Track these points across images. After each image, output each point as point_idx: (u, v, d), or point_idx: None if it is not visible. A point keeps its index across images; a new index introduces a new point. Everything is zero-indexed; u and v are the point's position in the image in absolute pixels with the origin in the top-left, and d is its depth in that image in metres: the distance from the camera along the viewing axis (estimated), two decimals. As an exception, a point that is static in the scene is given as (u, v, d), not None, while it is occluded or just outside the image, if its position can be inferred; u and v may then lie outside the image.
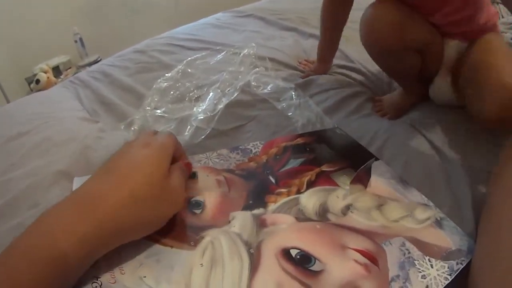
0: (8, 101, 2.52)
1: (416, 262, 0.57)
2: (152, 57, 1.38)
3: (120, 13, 2.92)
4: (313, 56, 1.31)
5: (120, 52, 1.52)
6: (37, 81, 2.55)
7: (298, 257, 0.55)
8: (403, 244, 0.60)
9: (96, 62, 2.70)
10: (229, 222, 0.61)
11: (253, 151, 0.79)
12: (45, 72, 2.59)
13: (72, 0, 2.72)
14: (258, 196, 0.67)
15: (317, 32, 1.45)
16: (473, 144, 0.86)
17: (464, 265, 0.58)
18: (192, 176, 0.71)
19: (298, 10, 1.73)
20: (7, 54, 2.56)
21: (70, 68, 2.79)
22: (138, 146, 0.56)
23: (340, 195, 0.68)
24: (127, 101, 1.12)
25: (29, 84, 2.62)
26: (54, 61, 2.73)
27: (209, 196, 0.66)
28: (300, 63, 1.30)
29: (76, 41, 2.74)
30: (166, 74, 1.15)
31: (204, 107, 0.97)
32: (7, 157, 0.88)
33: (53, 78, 2.59)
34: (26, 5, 2.52)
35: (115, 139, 0.92)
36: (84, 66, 2.69)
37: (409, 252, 0.59)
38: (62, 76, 2.69)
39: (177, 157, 0.62)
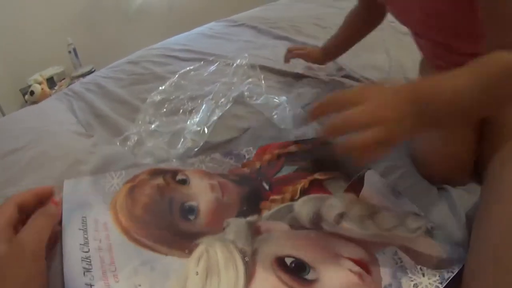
0: (2, 112, 2.54)
1: (408, 270, 0.58)
2: (145, 68, 1.37)
3: (113, 23, 2.96)
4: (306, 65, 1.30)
5: (113, 63, 1.51)
6: (32, 93, 2.56)
7: (293, 265, 0.56)
8: (396, 253, 0.61)
9: (90, 72, 2.71)
10: (224, 229, 0.62)
11: (246, 156, 0.80)
12: (40, 83, 2.60)
13: (66, 10, 2.74)
14: (252, 202, 0.68)
15: (310, 40, 1.46)
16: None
17: (454, 273, 0.59)
18: (183, 182, 0.71)
19: (290, 18, 1.72)
20: (1, 65, 2.57)
21: (64, 79, 2.80)
22: None
23: (333, 203, 0.68)
24: (121, 113, 1.11)
25: (24, 95, 2.64)
26: (48, 72, 2.75)
27: (203, 201, 0.66)
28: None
29: (70, 52, 2.76)
30: (160, 87, 1.15)
31: (198, 119, 0.97)
32: (3, 173, 0.87)
33: (47, 90, 2.60)
34: (20, 16, 2.54)
35: (107, 153, 0.91)
36: (78, 77, 2.71)
37: (401, 261, 0.60)
38: (56, 87, 2.71)
39: (32, 204, 0.59)
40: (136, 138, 0.95)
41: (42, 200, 0.60)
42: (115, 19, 2.95)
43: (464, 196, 0.76)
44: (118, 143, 0.96)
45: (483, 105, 0.58)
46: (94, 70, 2.72)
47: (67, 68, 2.84)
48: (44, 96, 2.46)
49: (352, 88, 0.57)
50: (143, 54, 1.54)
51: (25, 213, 0.57)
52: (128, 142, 0.95)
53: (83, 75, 2.67)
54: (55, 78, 2.77)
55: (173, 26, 2.50)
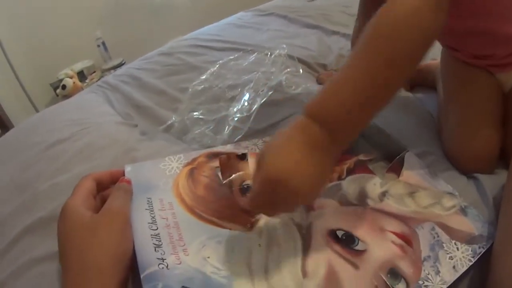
0: (34, 106, 2.58)
1: (444, 245, 0.62)
2: (179, 59, 1.38)
3: (140, 16, 2.97)
4: (339, 53, 1.30)
5: (145, 55, 1.53)
6: (63, 87, 2.58)
7: (343, 237, 0.60)
8: (433, 229, 0.64)
9: (120, 65, 2.75)
10: None
11: None
12: (71, 77, 2.62)
13: (93, 5, 2.77)
14: None
15: (340, 28, 1.45)
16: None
17: (485, 249, 0.62)
18: (242, 157, 0.75)
19: (318, 6, 1.71)
20: (31, 60, 2.61)
21: (94, 72, 2.82)
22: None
23: (376, 182, 0.72)
24: (160, 103, 1.13)
25: (55, 89, 2.66)
26: (78, 66, 2.77)
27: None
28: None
29: (99, 46, 2.78)
30: (201, 77, 1.16)
31: (239, 107, 0.99)
32: (50, 163, 0.89)
33: (79, 83, 2.62)
34: (48, 12, 2.58)
35: (157, 140, 0.94)
36: (109, 70, 2.74)
37: (438, 236, 0.63)
38: (87, 81, 2.73)
39: (107, 182, 0.65)
40: (180, 126, 0.98)
41: (116, 179, 0.65)
42: (142, 12, 2.96)
43: (491, 179, 0.79)
44: (162, 131, 0.98)
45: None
46: (125, 62, 2.76)
47: (96, 62, 2.86)
48: (76, 89, 2.49)
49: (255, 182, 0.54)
50: (175, 45, 1.54)
51: (100, 188, 0.64)
52: (172, 130, 0.98)
53: (114, 68, 2.71)
54: (85, 72, 2.79)
55: (198, 18, 2.51)
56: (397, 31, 0.55)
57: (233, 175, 0.71)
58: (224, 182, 0.69)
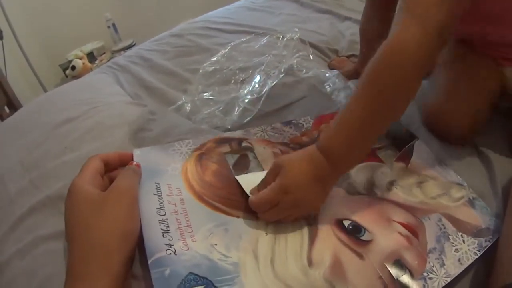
0: (43, 87, 2.56)
1: (450, 237, 0.62)
2: (190, 41, 1.37)
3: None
4: (351, 39, 1.29)
5: (155, 36, 1.51)
6: (73, 68, 2.57)
7: (350, 227, 0.60)
8: (440, 220, 0.64)
9: (131, 46, 2.72)
10: None
11: (305, 126, 0.82)
12: (80, 58, 2.60)
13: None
14: None
15: (352, 14, 1.42)
16: (505, 132, 0.86)
17: (491, 243, 0.62)
18: (248, 150, 0.74)
19: None
20: (40, 41, 2.59)
21: (104, 53, 2.80)
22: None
23: (385, 171, 0.72)
24: (169, 84, 1.12)
25: (64, 70, 2.65)
26: (88, 47, 2.75)
27: (267, 168, 0.68)
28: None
29: (109, 27, 2.75)
30: (212, 58, 1.16)
31: (250, 89, 0.99)
32: (59, 142, 0.89)
33: (88, 64, 2.61)
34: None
35: (167, 119, 0.93)
36: (119, 51, 2.72)
37: (444, 228, 0.63)
38: (97, 62, 2.71)
39: (114, 164, 0.65)
40: (190, 107, 0.98)
41: (123, 162, 0.65)
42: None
43: (506, 167, 0.77)
44: (172, 111, 0.99)
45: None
46: (135, 44, 2.73)
47: (106, 43, 2.84)
48: (85, 70, 2.47)
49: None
50: (186, 27, 1.52)
51: (107, 169, 0.63)
52: (181, 111, 0.98)
53: (124, 49, 2.70)
54: (95, 53, 2.77)
55: (209, 1, 2.48)
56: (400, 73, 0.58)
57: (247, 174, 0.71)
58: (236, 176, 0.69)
